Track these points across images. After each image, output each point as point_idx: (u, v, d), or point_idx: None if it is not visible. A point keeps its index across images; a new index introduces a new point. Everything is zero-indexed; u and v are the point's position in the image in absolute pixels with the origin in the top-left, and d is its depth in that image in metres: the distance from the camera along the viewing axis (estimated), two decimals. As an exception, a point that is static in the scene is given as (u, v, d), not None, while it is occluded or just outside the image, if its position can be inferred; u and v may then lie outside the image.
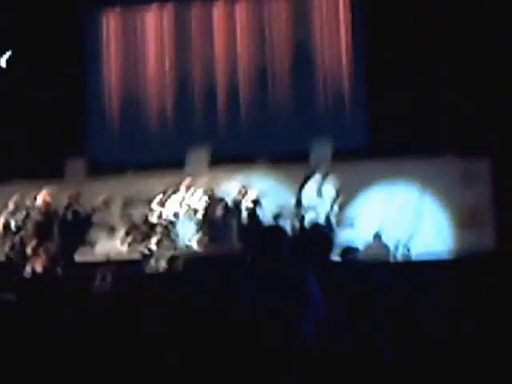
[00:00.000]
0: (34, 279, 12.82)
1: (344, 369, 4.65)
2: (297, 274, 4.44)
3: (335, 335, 4.75)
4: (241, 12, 16.69)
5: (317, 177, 12.99)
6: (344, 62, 16.21)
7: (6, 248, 13.73)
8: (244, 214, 13.29)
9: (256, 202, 13.31)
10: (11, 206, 13.81)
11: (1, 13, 15.90)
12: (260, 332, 4.29)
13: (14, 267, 13.30)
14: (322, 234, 5.44)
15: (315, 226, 5.71)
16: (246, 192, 13.41)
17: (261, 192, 13.51)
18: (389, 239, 13.17)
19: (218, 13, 16.77)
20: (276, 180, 14.73)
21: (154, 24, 16.92)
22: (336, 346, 4.72)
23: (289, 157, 14.98)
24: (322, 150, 15.13)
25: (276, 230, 4.79)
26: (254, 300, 4.38)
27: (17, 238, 13.67)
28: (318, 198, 12.93)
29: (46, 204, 13.64)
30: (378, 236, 13.30)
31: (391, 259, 10.68)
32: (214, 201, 13.67)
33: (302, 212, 12.75)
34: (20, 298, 4.95)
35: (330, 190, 13.00)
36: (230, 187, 14.29)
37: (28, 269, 13.40)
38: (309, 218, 12.26)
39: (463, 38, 14.84)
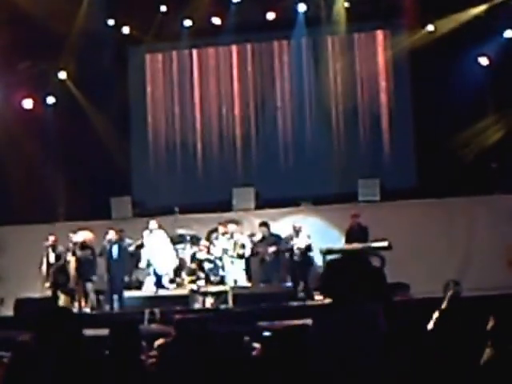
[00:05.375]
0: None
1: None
2: (371, 312, 4.32)
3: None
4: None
5: None
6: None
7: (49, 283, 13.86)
8: (296, 252, 13.28)
9: (309, 241, 13.31)
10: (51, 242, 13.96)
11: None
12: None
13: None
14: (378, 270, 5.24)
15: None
16: (299, 231, 13.41)
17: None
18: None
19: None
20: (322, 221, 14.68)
21: (198, 65, 17.06)
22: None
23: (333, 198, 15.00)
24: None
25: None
26: (330, 338, 4.27)
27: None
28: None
29: (88, 241, 13.72)
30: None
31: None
32: (266, 239, 13.67)
33: None
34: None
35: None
36: (280, 226, 14.32)
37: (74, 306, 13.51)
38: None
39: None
